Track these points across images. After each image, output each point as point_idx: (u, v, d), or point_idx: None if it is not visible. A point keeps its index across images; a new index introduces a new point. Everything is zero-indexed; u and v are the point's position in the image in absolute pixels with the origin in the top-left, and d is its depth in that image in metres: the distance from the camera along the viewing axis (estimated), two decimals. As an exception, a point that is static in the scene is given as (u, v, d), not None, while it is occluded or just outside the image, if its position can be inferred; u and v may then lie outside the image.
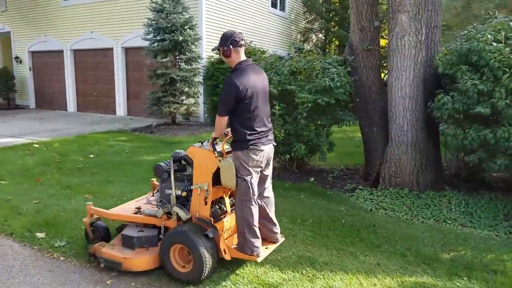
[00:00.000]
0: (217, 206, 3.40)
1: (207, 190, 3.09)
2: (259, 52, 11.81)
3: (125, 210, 3.66)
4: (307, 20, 18.23)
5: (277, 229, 3.40)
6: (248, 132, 3.02)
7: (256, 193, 3.12)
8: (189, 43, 10.46)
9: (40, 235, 3.86)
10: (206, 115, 12.10)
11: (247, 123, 3.02)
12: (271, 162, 3.29)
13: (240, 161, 3.04)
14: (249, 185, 3.05)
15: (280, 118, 5.46)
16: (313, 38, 18.53)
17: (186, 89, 10.47)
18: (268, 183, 3.36)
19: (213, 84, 11.42)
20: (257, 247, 3.12)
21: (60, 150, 7.90)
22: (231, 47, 3.04)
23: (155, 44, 10.41)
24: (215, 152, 3.08)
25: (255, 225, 3.11)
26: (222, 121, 3.06)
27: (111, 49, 14.08)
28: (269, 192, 3.37)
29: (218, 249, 3.09)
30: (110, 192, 5.28)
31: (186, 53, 10.49)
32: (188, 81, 10.42)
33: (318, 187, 5.51)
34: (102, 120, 12.88)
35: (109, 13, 13.86)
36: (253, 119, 3.03)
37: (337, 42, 17.82)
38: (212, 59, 11.71)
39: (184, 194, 3.24)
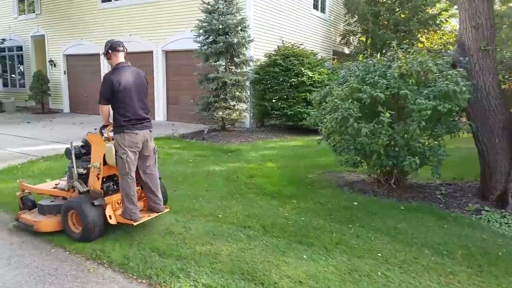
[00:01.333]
0: (112, 182, 4.12)
1: (98, 168, 3.88)
2: (311, 55, 11.27)
3: (46, 186, 4.58)
4: (347, 22, 17.56)
5: (160, 200, 4.14)
6: (122, 119, 3.80)
7: (132, 168, 3.85)
8: (242, 46, 9.87)
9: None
10: (252, 120, 11.49)
11: (121, 112, 3.80)
12: (149, 144, 4.04)
13: (117, 142, 3.82)
14: (125, 162, 3.80)
15: (387, 128, 4.78)
16: (354, 40, 17.83)
17: (237, 93, 9.87)
18: (150, 163, 4.09)
19: (263, 89, 10.81)
20: (134, 213, 3.86)
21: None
22: (110, 51, 3.94)
23: (205, 47, 9.86)
24: (103, 136, 4.00)
25: (132, 195, 3.86)
26: (103, 109, 3.92)
27: (150, 53, 13.61)
28: (151, 170, 4.10)
29: (104, 215, 3.85)
30: (199, 209, 4.67)
31: (240, 56, 9.89)
32: (241, 85, 9.82)
33: (436, 207, 4.80)
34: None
35: (150, 16, 13.40)
36: (126, 108, 3.80)
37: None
38: (261, 62, 11.10)
39: (84, 171, 4.01)
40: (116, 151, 3.80)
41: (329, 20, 16.77)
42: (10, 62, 18.71)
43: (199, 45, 10.01)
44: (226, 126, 10.48)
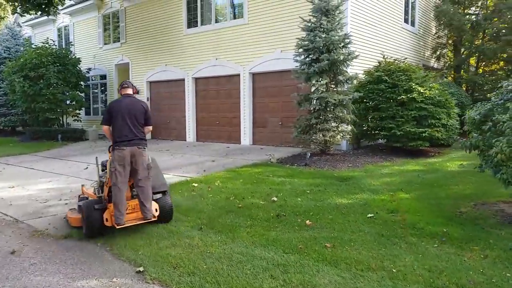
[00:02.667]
0: None
1: (106, 178, 4.78)
2: (418, 69, 10.23)
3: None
4: (437, 35, 16.23)
5: (148, 210, 4.65)
6: (115, 138, 4.70)
7: (119, 180, 4.55)
8: (344, 63, 9.11)
9: None
10: (349, 142, 10.57)
11: (114, 132, 4.73)
12: (138, 160, 4.66)
13: (110, 158, 4.70)
14: (114, 174, 4.56)
15: None
16: (447, 53, 16.40)
17: (341, 114, 9.05)
18: (141, 176, 4.68)
19: (365, 107, 9.89)
20: (118, 217, 4.51)
21: (227, 190, 6.80)
22: (120, 88, 5.07)
23: (304, 66, 9.24)
24: (109, 153, 4.82)
25: (117, 203, 4.53)
26: (104, 128, 4.83)
27: (237, 76, 13.34)
28: (142, 183, 4.68)
29: (102, 217, 4.63)
30: (361, 260, 3.82)
31: (343, 73, 9.14)
32: (344, 105, 9.00)
33: None
34: (232, 150, 11.96)
35: (236, 39, 13.18)
36: (117, 129, 4.69)
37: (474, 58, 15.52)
38: (360, 79, 10.22)
39: (104, 181, 4.92)
40: (110, 164, 4.65)
41: (418, 33, 15.57)
42: (93, 91, 19.61)
43: (297, 64, 9.41)
44: (326, 150, 9.65)
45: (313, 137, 9.12)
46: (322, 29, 8.91)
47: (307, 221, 4.99)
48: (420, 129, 9.17)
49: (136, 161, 4.64)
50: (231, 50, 13.37)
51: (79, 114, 18.28)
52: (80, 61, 17.75)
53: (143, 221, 4.69)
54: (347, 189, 6.62)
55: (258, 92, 13.06)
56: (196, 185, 7.21)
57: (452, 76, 16.70)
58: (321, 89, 9.13)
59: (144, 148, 4.74)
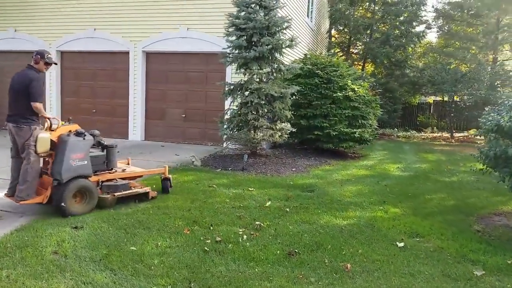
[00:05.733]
0: None
1: None
2: (345, 66, 9.72)
3: None
4: (328, 34, 16.47)
5: (18, 190, 4.38)
6: None
7: (11, 155, 4.63)
8: (280, 49, 7.81)
9: None
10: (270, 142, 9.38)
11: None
12: (16, 138, 4.46)
13: None
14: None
15: None
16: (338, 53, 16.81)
17: (279, 109, 7.73)
18: (21, 155, 4.46)
19: (296, 103, 8.75)
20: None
21: (176, 212, 4.73)
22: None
23: (237, 50, 7.59)
24: None
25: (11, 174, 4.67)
26: None
27: (125, 53, 10.63)
28: (23, 161, 4.46)
29: None
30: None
31: (283, 62, 7.81)
32: (284, 99, 7.72)
33: None
34: (124, 148, 9.36)
35: (125, 7, 10.43)
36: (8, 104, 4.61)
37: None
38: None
39: None
40: None
41: (313, 29, 15.44)
42: None
43: (228, 44, 7.66)
44: (256, 150, 8.20)
45: (250, 134, 7.55)
46: (261, 5, 7.40)
47: (347, 265, 3.51)
48: (353, 130, 8.62)
49: (14, 139, 4.49)
50: (117, 21, 10.56)
51: None
52: None
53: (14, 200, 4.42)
54: (325, 204, 5.36)
55: (154, 77, 10.68)
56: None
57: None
58: (257, 79, 7.61)
59: (19, 126, 4.39)
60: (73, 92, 11.42)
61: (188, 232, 4.05)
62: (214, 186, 5.99)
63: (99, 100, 11.18)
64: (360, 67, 16.08)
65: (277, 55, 7.80)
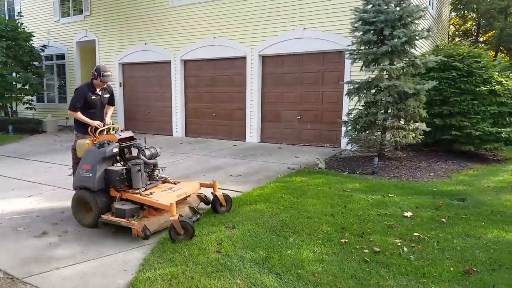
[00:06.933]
0: None
1: None
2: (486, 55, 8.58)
3: None
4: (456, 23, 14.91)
5: None
6: None
7: None
8: (413, 42, 7.14)
9: None
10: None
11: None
12: None
13: None
14: None
15: None
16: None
17: (412, 108, 7.05)
18: None
19: (432, 101, 7.93)
20: None
21: (318, 216, 4.53)
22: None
23: (364, 46, 7.15)
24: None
25: None
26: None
27: (242, 59, 10.91)
28: None
29: None
30: None
31: (417, 56, 7.15)
32: (418, 97, 7.03)
33: None
34: (243, 149, 9.58)
35: (241, 13, 10.72)
36: None
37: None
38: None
39: None
40: None
41: (435, 17, 14.00)
42: (48, 74, 16.00)
43: (354, 40, 7.27)
44: (382, 153, 7.64)
45: (378, 136, 7.06)
46: (392, -2, 6.86)
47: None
48: (500, 129, 7.51)
49: None
50: (234, 27, 10.89)
51: (33, 101, 14.68)
52: (33, 36, 14.18)
53: None
54: (485, 215, 4.63)
55: (269, 80, 10.75)
56: (265, 209, 4.82)
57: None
58: (386, 75, 7.06)
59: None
60: (195, 98, 12.12)
61: (343, 241, 3.79)
62: (348, 190, 5.66)
63: (218, 104, 11.67)
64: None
65: (408, 48, 7.17)
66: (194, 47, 11.64)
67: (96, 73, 4.79)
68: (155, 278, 3.12)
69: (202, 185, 4.80)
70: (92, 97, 4.88)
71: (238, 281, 3.02)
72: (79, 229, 4.27)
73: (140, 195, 4.10)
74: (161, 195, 4.16)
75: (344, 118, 8.09)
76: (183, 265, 3.31)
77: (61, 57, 15.39)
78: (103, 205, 4.18)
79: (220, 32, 11.13)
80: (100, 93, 4.98)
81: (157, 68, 12.74)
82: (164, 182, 4.66)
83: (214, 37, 11.25)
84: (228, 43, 11.03)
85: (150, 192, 4.24)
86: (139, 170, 4.21)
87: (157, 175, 4.64)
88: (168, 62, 12.31)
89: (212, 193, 4.69)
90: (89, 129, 4.72)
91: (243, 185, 5.98)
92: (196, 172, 7.04)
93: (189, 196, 4.60)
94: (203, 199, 4.83)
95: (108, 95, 5.12)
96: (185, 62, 12.11)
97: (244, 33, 10.73)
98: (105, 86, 5.01)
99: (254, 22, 10.52)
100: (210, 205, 4.72)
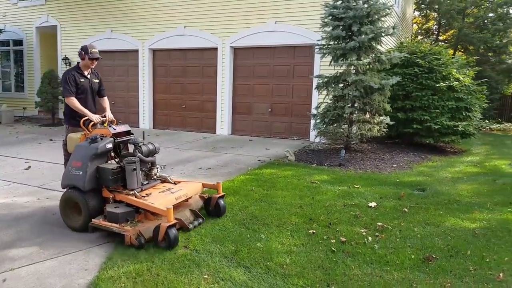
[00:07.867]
0: None
1: None
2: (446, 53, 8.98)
3: None
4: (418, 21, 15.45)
5: None
6: None
7: None
8: (379, 39, 7.37)
9: None
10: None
11: None
12: None
13: None
14: None
15: None
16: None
17: (377, 102, 7.32)
18: None
19: (395, 96, 8.23)
20: None
21: (259, 206, 4.66)
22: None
23: (333, 41, 7.31)
24: None
25: None
26: None
27: (214, 50, 10.84)
28: None
29: None
30: None
31: (382, 52, 7.39)
32: (384, 91, 7.30)
33: None
34: (214, 142, 9.59)
35: (214, 4, 10.62)
36: None
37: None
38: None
39: None
40: None
41: (400, 16, 14.48)
42: (3, 60, 15.20)
43: (323, 35, 7.42)
44: (348, 145, 7.89)
45: (345, 129, 7.28)
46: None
47: (499, 274, 3.15)
48: (457, 123, 7.93)
49: None
50: (205, 18, 10.79)
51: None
52: (-14, 20, 13.44)
53: None
54: (444, 204, 4.94)
55: (241, 72, 10.77)
56: (236, 202, 4.89)
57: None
58: (353, 71, 7.27)
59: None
60: (164, 88, 11.94)
61: (311, 232, 3.93)
62: (316, 182, 5.83)
63: (188, 95, 11.57)
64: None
65: (375, 44, 7.40)
66: (164, 36, 11.44)
67: (83, 52, 4.50)
68: (119, 277, 3.05)
69: (204, 185, 4.43)
70: (81, 80, 4.57)
71: (206, 276, 3.05)
72: (35, 227, 4.06)
73: (135, 196, 3.74)
74: (158, 197, 3.79)
75: (313, 111, 8.27)
76: (148, 262, 3.27)
77: (19, 42, 14.67)
78: (94, 207, 3.80)
79: (191, 22, 11.00)
80: (89, 77, 4.67)
81: (124, 56, 12.43)
82: (163, 181, 4.29)
83: (185, 27, 11.10)
84: (199, 33, 10.91)
85: (146, 194, 3.86)
86: (134, 169, 3.79)
87: (155, 174, 4.25)
88: (136, 51, 12.04)
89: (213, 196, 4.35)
90: (81, 121, 4.27)
91: (212, 178, 6.01)
92: (165, 165, 7.00)
93: (190, 197, 4.22)
94: (206, 200, 4.38)
95: (97, 80, 4.81)
96: (154, 51, 11.89)
97: (216, 24, 10.65)
98: (93, 67, 4.70)
99: (227, 13, 10.47)
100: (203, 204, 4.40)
